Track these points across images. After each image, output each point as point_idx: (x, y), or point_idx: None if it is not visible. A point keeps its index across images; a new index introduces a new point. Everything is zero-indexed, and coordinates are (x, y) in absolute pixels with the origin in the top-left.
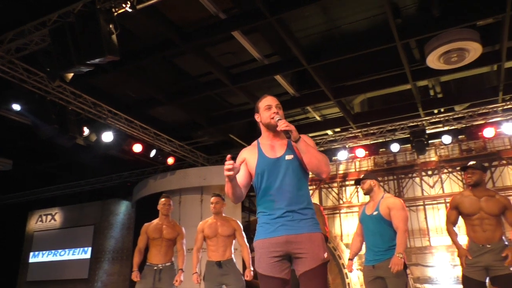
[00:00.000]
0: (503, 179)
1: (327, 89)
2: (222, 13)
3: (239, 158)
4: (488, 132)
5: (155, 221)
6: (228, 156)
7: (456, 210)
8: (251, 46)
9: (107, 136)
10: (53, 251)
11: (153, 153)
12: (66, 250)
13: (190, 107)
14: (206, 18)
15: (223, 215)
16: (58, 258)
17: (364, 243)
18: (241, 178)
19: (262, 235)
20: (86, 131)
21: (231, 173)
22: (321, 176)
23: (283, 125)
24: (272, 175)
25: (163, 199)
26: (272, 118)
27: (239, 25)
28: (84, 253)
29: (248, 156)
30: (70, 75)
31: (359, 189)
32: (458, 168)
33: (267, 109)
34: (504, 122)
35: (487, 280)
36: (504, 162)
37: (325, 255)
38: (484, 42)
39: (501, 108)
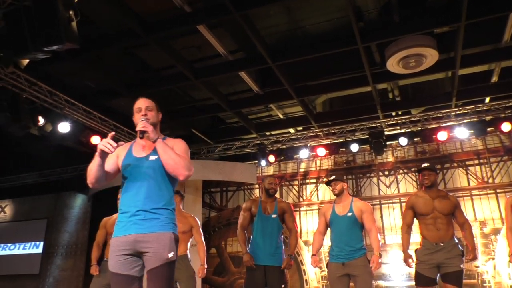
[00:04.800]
0: (454, 181)
1: (291, 88)
2: (187, 6)
3: (116, 150)
4: (442, 136)
5: (115, 215)
6: (112, 133)
7: (411, 210)
8: (216, 41)
9: (64, 127)
10: (2, 245)
11: None
12: (16, 244)
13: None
14: (170, 10)
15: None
16: (7, 252)
17: (331, 241)
18: (109, 165)
19: (115, 233)
20: (41, 120)
21: (106, 148)
22: (178, 178)
23: (140, 125)
24: (133, 173)
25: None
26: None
27: (204, 19)
28: (35, 248)
29: (119, 151)
30: (25, 61)
31: (319, 187)
32: (413, 169)
33: (137, 112)
34: (456, 126)
35: (438, 277)
36: (455, 164)
37: (170, 255)
38: (440, 49)
39: (454, 113)
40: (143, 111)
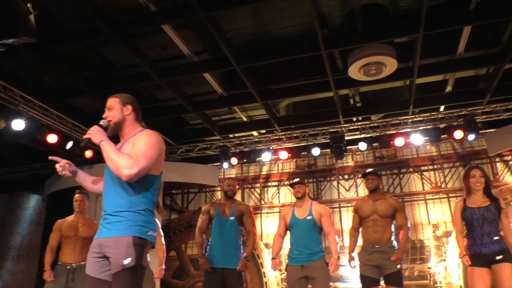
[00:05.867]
0: (409, 185)
1: (255, 91)
2: (152, 5)
3: None
4: (399, 142)
5: (70, 218)
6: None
7: (357, 214)
8: (181, 41)
9: (18, 124)
10: None
11: (69, 144)
12: None
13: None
14: (135, 8)
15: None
16: None
17: (290, 243)
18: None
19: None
20: None
21: (59, 172)
22: (122, 178)
23: (85, 135)
24: (105, 176)
25: (77, 195)
26: None
27: (170, 19)
28: None
29: None
30: None
31: (281, 190)
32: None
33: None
34: (413, 133)
35: (382, 279)
36: (411, 169)
37: (126, 261)
38: (399, 58)
39: (411, 120)
40: (105, 113)
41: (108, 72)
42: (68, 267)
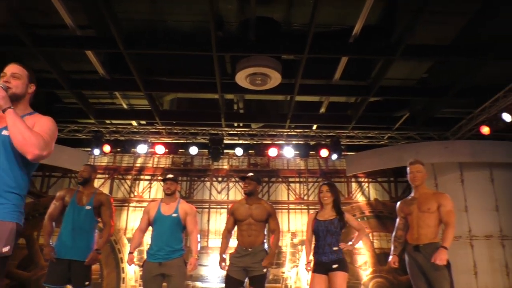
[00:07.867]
0: (276, 194)
1: (140, 79)
2: None
3: None
4: (272, 152)
5: None
6: None
7: (232, 216)
8: (64, 10)
9: None
10: None
11: None
12: None
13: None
14: None
15: None
16: None
17: (151, 239)
18: None
19: None
20: None
21: None
22: (26, 156)
23: None
24: None
25: None
26: None
27: None
28: None
29: None
30: None
31: (153, 185)
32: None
33: (1, 77)
34: (286, 146)
35: (247, 280)
36: (280, 179)
37: (5, 249)
38: (284, 74)
39: (286, 133)
40: (6, 77)
41: None
42: None
